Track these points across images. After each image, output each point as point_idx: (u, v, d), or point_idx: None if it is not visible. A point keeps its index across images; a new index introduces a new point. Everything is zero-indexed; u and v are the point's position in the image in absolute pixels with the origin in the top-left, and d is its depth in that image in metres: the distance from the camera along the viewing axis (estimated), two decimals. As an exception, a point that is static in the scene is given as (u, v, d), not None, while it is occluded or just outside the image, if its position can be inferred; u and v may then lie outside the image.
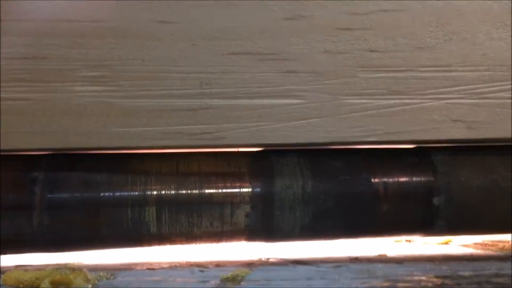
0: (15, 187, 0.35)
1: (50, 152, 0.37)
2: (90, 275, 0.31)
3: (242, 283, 0.32)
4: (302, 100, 0.37)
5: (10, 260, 0.38)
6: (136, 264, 0.38)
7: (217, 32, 0.37)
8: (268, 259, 0.40)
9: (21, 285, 0.31)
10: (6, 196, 0.35)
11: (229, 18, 0.37)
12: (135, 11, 0.36)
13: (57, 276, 0.29)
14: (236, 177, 0.37)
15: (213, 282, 0.32)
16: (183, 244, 0.37)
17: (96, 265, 0.38)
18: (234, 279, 0.32)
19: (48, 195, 0.35)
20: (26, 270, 0.32)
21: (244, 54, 0.37)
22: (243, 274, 0.33)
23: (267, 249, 0.43)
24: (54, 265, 0.36)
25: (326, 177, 0.38)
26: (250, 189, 0.37)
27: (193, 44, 0.36)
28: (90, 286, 0.30)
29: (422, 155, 0.40)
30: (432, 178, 0.39)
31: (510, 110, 0.38)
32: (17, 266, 0.37)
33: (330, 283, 0.32)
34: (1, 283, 0.31)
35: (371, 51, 0.38)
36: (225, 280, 0.32)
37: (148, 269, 0.36)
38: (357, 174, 0.38)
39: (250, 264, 0.38)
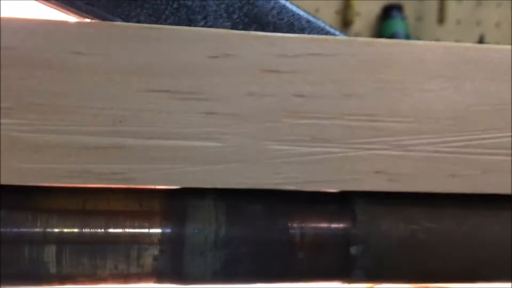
0: None
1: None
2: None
3: None
4: (221, 144, 0.36)
5: None
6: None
7: (135, 67, 0.35)
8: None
9: None
10: None
11: (149, 53, 0.35)
12: (50, 40, 0.34)
13: None
14: (146, 217, 0.35)
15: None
16: (87, 285, 0.36)
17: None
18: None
19: None
20: None
21: (162, 92, 0.35)
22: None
23: None
24: None
25: (241, 222, 0.37)
26: (159, 231, 0.35)
27: (109, 79, 0.34)
28: None
29: (344, 202, 0.39)
30: (350, 227, 0.38)
31: (435, 164, 0.38)
32: None
33: None
34: None
35: (297, 95, 0.36)
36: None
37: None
38: (275, 219, 0.37)
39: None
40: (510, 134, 0.37)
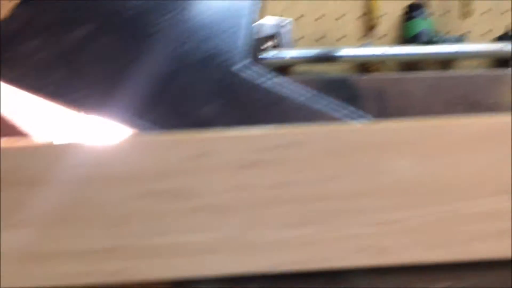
0: None
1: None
2: None
3: None
4: (210, 236, 0.38)
5: None
6: None
7: (126, 174, 0.38)
8: None
9: None
10: None
11: (137, 160, 0.38)
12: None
13: None
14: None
15: None
16: None
17: None
18: None
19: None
20: None
21: (151, 194, 0.38)
22: None
23: None
24: None
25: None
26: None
27: (102, 186, 0.38)
28: None
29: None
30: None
31: (418, 236, 0.39)
32: None
33: None
34: None
35: (280, 184, 0.39)
36: None
37: None
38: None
39: None
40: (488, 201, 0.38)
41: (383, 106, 1.75)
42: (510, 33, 1.75)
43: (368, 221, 0.39)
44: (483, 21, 1.88)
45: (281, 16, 1.82)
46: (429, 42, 1.75)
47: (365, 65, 1.84)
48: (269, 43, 1.77)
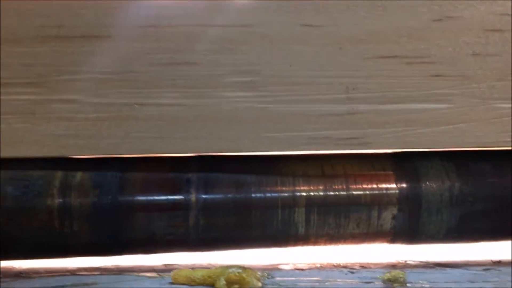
0: (170, 188, 0.37)
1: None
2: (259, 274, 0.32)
3: (408, 284, 0.32)
4: (449, 105, 0.37)
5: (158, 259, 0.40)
6: (279, 265, 0.39)
7: (364, 36, 0.37)
8: (406, 261, 0.40)
9: (193, 283, 0.32)
10: (161, 197, 0.37)
11: (376, 20, 0.37)
12: (282, 15, 0.37)
13: (231, 274, 0.31)
14: (382, 179, 0.37)
15: (377, 283, 0.33)
16: (326, 245, 0.38)
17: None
18: (397, 280, 0.33)
19: (203, 196, 0.36)
20: (193, 269, 0.34)
21: (391, 57, 0.37)
22: (401, 276, 0.34)
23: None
24: (214, 265, 0.38)
25: (473, 180, 0.37)
26: (397, 191, 0.37)
27: (340, 48, 0.37)
28: (260, 285, 0.32)
29: None
30: None
31: None
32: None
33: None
34: (171, 281, 0.33)
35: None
36: (388, 281, 0.33)
37: (297, 269, 0.37)
38: (505, 176, 0.38)
39: (394, 266, 0.38)
40: None
41: None
42: None
43: None
44: None
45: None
46: None
47: None
48: None
